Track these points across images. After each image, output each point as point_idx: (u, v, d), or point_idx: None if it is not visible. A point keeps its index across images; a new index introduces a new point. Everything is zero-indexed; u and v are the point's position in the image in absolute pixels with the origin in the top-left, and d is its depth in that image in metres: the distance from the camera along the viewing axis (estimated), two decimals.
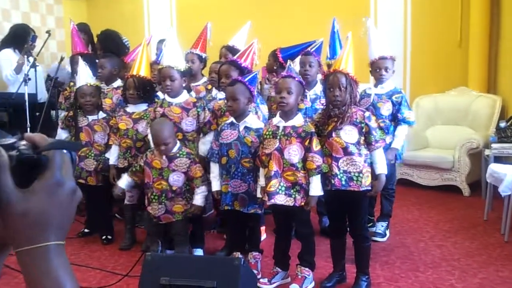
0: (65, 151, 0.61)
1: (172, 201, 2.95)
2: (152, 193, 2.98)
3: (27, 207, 0.56)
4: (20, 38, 4.61)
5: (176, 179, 2.94)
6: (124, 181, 3.09)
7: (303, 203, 2.57)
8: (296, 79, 2.61)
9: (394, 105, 3.26)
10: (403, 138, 3.30)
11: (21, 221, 0.56)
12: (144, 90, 3.31)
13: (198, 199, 2.97)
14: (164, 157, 2.93)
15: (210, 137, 3.13)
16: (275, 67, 3.84)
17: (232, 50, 3.86)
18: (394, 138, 3.24)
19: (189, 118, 3.12)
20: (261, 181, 2.69)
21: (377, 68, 3.30)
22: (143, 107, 3.37)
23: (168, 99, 3.16)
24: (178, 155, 2.94)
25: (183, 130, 3.12)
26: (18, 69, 4.46)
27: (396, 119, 3.27)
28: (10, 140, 0.58)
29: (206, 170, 3.03)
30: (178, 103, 3.14)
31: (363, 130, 2.54)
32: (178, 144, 2.97)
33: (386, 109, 3.25)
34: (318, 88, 3.41)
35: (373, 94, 3.26)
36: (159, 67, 3.19)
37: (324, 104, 2.81)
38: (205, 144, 3.14)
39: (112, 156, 3.38)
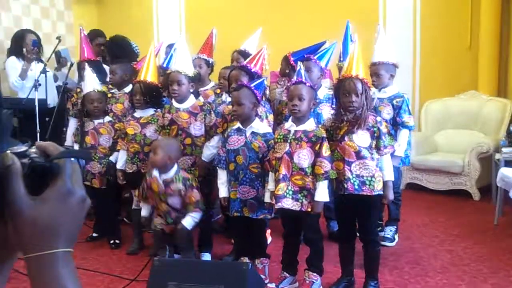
0: (74, 159, 0.62)
1: (177, 218, 2.98)
2: (158, 212, 3.02)
3: (37, 214, 0.57)
4: (17, 44, 4.67)
5: (175, 202, 2.95)
6: (145, 210, 3.12)
7: (309, 209, 2.56)
8: (307, 84, 2.61)
9: (394, 109, 3.26)
10: (405, 143, 3.28)
11: (31, 228, 0.57)
12: (150, 96, 3.33)
13: (187, 220, 2.92)
14: (161, 181, 2.92)
15: (214, 142, 3.13)
16: (287, 71, 3.84)
17: (244, 54, 3.86)
18: (397, 146, 3.22)
19: (197, 122, 3.13)
20: (270, 186, 2.68)
21: (370, 74, 3.30)
22: (150, 111, 3.39)
23: (175, 104, 3.17)
24: (174, 179, 2.92)
25: (192, 135, 3.12)
26: (22, 75, 4.51)
27: (395, 124, 3.26)
28: (22, 148, 0.59)
29: (210, 175, 3.04)
30: (186, 108, 3.15)
31: (375, 134, 2.54)
32: (176, 167, 2.95)
33: (386, 113, 3.25)
34: (321, 93, 3.40)
35: (375, 98, 3.25)
36: (168, 71, 3.21)
37: (334, 108, 2.79)
38: (208, 149, 3.13)
39: (120, 160, 3.40)
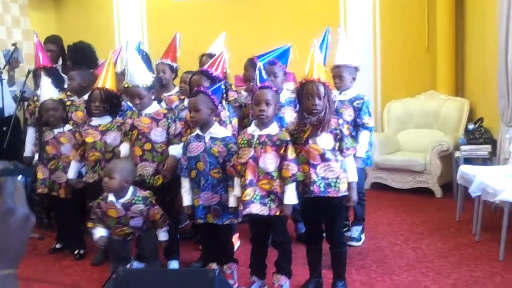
0: (19, 177, 0.60)
1: (140, 234, 2.95)
2: (119, 234, 2.91)
3: None
4: None
5: (137, 223, 2.88)
6: (100, 233, 2.90)
7: (278, 212, 2.56)
8: (273, 89, 2.61)
9: (355, 111, 3.31)
10: (366, 145, 3.34)
11: None
12: (110, 103, 3.27)
13: (163, 236, 2.95)
14: (119, 205, 2.83)
15: (179, 146, 3.05)
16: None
17: (213, 57, 3.81)
18: (358, 147, 3.26)
19: (158, 128, 3.06)
20: (236, 191, 2.67)
21: (333, 76, 3.34)
22: (107, 119, 3.32)
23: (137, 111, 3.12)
24: (133, 201, 2.84)
25: (152, 140, 3.05)
26: None
27: (356, 125, 3.31)
28: None
29: (171, 183, 3.01)
30: (148, 113, 3.08)
31: (338, 136, 2.56)
32: (132, 189, 2.85)
33: (347, 114, 3.30)
34: (283, 97, 3.40)
35: (337, 101, 3.29)
36: (124, 85, 3.12)
37: (297, 112, 2.80)
38: (174, 148, 3.06)
39: (70, 171, 3.33)
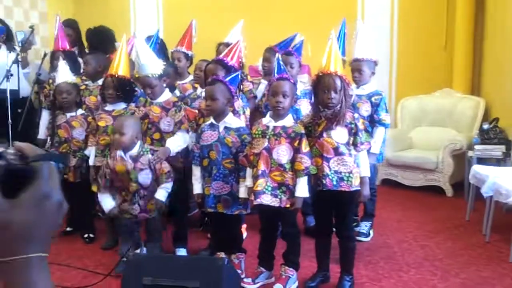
0: (52, 162, 0.60)
1: (145, 200, 2.90)
2: (126, 195, 2.91)
3: (11, 218, 0.55)
4: None
5: (145, 177, 2.87)
6: (108, 204, 2.94)
7: (288, 205, 2.57)
8: (291, 80, 2.60)
9: (372, 106, 3.28)
10: (381, 141, 3.32)
11: (4, 232, 0.55)
12: (123, 91, 3.27)
13: (161, 194, 2.90)
14: (127, 157, 2.85)
15: (179, 136, 3.05)
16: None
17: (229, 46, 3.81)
18: (373, 143, 3.25)
19: (167, 118, 3.06)
20: (248, 182, 2.67)
21: (352, 70, 3.32)
22: (122, 105, 3.33)
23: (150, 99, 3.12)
24: (141, 153, 2.87)
25: (161, 130, 3.06)
26: None
27: (373, 121, 3.29)
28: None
29: (181, 174, 3.00)
30: (159, 102, 3.08)
31: (352, 130, 2.55)
32: (139, 143, 2.89)
33: (364, 110, 3.27)
34: (298, 88, 3.39)
35: (354, 95, 3.27)
36: (135, 75, 3.12)
37: (312, 104, 2.79)
38: (172, 141, 3.04)
39: (92, 157, 3.33)
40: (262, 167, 2.54)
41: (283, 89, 2.55)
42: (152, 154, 2.89)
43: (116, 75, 3.22)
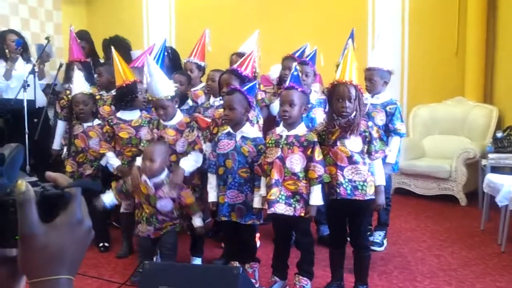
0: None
1: (161, 223, 2.93)
2: (142, 214, 2.95)
3: (49, 240, 0.59)
4: None
5: (164, 205, 2.89)
6: (108, 199, 3.00)
7: (302, 213, 2.57)
8: (299, 89, 2.61)
9: (387, 116, 3.29)
10: (396, 151, 3.31)
11: (40, 253, 0.59)
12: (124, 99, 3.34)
13: (198, 222, 2.96)
14: (151, 183, 2.87)
15: (192, 157, 3.06)
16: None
17: (242, 57, 3.84)
18: (388, 153, 3.24)
19: (182, 139, 3.08)
20: (262, 191, 2.68)
21: (365, 79, 3.33)
22: (136, 113, 3.38)
23: (162, 121, 3.13)
24: (165, 182, 2.89)
25: (177, 151, 3.08)
26: (7, 75, 4.43)
27: (388, 130, 3.29)
28: (33, 178, 0.62)
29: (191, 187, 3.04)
30: (172, 125, 3.10)
31: (367, 139, 2.55)
32: (166, 171, 2.92)
33: (379, 119, 3.27)
34: (313, 97, 3.42)
35: (369, 104, 3.28)
36: (148, 98, 3.15)
37: (327, 113, 2.80)
38: (184, 161, 3.05)
39: (112, 159, 3.34)
40: (275, 176, 2.56)
41: (289, 98, 2.57)
42: (168, 177, 2.91)
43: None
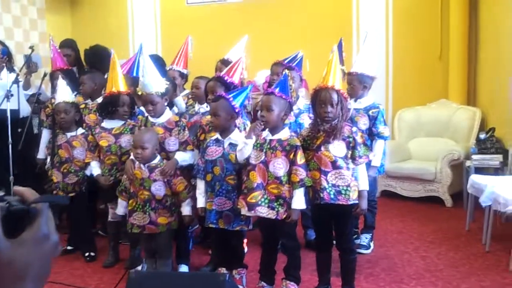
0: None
1: (156, 212, 2.92)
2: (137, 203, 2.95)
3: (13, 256, 0.58)
4: None
5: (158, 189, 2.91)
6: (121, 209, 3.09)
7: (284, 216, 2.58)
8: (277, 94, 2.62)
9: (370, 120, 3.32)
10: (381, 154, 3.35)
11: (5, 269, 0.57)
12: (132, 107, 3.35)
13: (187, 210, 2.98)
14: (145, 167, 2.91)
15: (187, 153, 3.10)
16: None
17: (227, 63, 3.83)
18: (372, 157, 3.27)
19: (172, 137, 3.10)
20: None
21: (347, 83, 3.36)
22: (120, 122, 3.36)
23: (151, 119, 3.14)
24: (158, 166, 2.93)
25: (166, 150, 3.09)
26: None
27: (371, 134, 3.32)
28: None
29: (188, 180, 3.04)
30: (161, 123, 3.11)
31: (351, 144, 2.58)
32: (159, 157, 2.97)
33: (362, 123, 3.30)
34: (301, 103, 3.46)
35: (352, 109, 3.30)
36: (138, 92, 3.17)
37: (312, 118, 2.82)
38: (180, 153, 3.09)
39: (95, 168, 3.33)
40: (258, 179, 2.57)
41: (266, 103, 2.60)
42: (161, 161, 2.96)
43: (130, 92, 3.28)
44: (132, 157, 3.02)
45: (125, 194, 3.05)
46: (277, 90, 2.63)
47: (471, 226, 3.92)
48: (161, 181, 2.91)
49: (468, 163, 4.42)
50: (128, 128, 3.32)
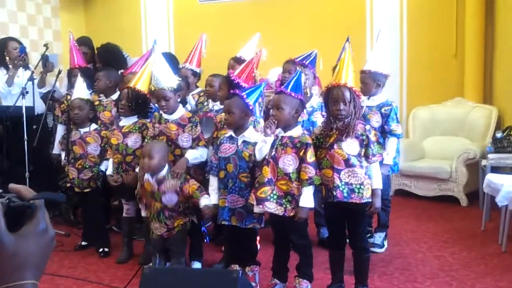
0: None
1: (171, 219, 2.93)
2: (151, 212, 2.97)
3: (16, 248, 0.63)
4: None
5: (169, 199, 2.90)
6: (143, 212, 3.10)
7: (292, 213, 2.57)
8: (287, 93, 2.59)
9: (383, 117, 3.29)
10: (394, 152, 3.31)
11: (10, 260, 0.63)
12: (136, 103, 3.31)
13: (205, 201, 2.86)
14: (153, 180, 2.89)
15: (198, 150, 3.10)
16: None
17: (240, 61, 3.82)
18: (386, 156, 3.24)
19: (185, 134, 3.10)
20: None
21: (360, 81, 3.33)
22: (133, 119, 3.36)
23: (164, 115, 3.15)
24: (167, 177, 2.90)
25: (180, 146, 3.10)
26: (9, 82, 4.45)
27: (384, 132, 3.29)
28: None
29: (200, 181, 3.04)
30: (174, 119, 3.12)
31: (364, 142, 2.55)
32: (167, 167, 2.93)
33: (375, 121, 3.27)
34: (314, 101, 3.44)
35: (365, 106, 3.27)
36: (151, 88, 3.17)
37: (325, 116, 2.80)
38: (190, 151, 3.09)
39: (110, 167, 3.36)
40: (269, 175, 2.57)
41: (276, 102, 2.59)
42: (178, 179, 2.91)
43: (133, 88, 3.27)
44: (137, 170, 3.03)
45: (141, 201, 3.06)
46: (288, 88, 2.61)
47: (487, 226, 3.86)
48: (171, 192, 2.89)
49: (484, 162, 4.36)
50: (137, 127, 3.33)
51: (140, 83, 3.29)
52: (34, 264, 0.65)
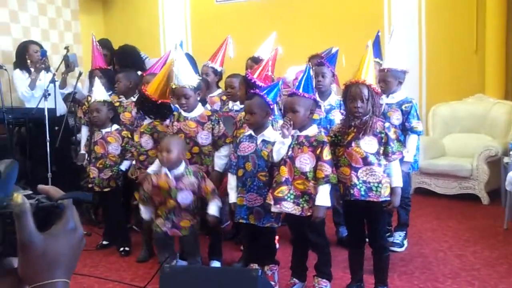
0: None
1: (179, 217, 2.94)
2: (162, 211, 2.97)
3: (46, 248, 0.64)
4: (21, 57, 4.70)
5: (184, 198, 2.91)
6: (145, 215, 3.07)
7: (309, 213, 2.57)
8: (301, 94, 2.59)
9: (403, 115, 3.26)
10: (414, 149, 3.28)
11: (39, 259, 0.64)
12: (142, 106, 3.36)
13: (213, 209, 2.92)
14: (171, 175, 2.91)
15: (225, 151, 3.15)
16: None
17: (257, 61, 3.83)
18: (406, 153, 3.21)
19: (204, 131, 3.14)
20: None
21: (379, 79, 3.30)
22: (148, 120, 3.42)
23: (183, 113, 3.19)
24: (185, 173, 2.92)
25: (199, 144, 3.14)
26: (32, 85, 4.55)
27: (405, 129, 3.26)
28: (28, 192, 0.68)
29: (221, 183, 3.05)
30: (193, 117, 3.16)
31: (383, 140, 2.54)
32: (184, 165, 2.95)
33: (395, 118, 3.25)
34: (332, 99, 3.43)
35: (384, 104, 3.25)
36: (172, 86, 3.21)
37: (343, 113, 2.79)
38: (220, 159, 3.16)
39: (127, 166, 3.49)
40: (286, 174, 2.57)
41: (291, 105, 2.59)
42: (196, 177, 2.93)
43: (142, 91, 3.31)
44: (149, 170, 3.06)
45: (146, 203, 3.02)
46: (300, 89, 2.61)
47: (510, 225, 3.80)
48: (187, 190, 2.90)
49: (506, 159, 4.28)
50: (149, 128, 3.37)
51: (151, 87, 3.30)
52: (64, 263, 0.66)
